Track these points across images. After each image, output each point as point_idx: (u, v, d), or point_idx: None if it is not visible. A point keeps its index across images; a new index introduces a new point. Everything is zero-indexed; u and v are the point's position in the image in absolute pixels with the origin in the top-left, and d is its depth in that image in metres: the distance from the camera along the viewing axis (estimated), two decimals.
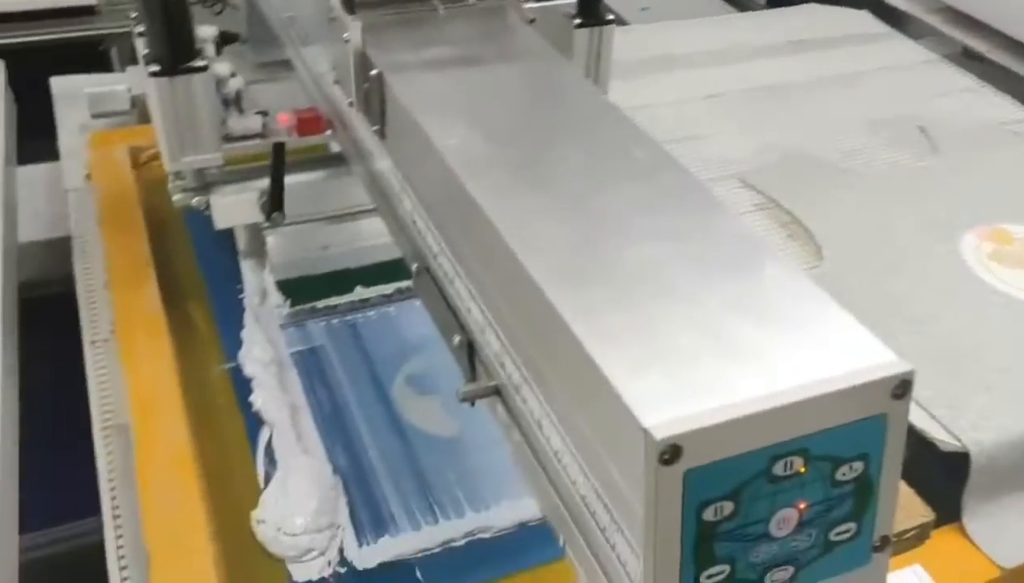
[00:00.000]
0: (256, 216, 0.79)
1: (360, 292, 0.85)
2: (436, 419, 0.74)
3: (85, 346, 0.78)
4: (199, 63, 0.69)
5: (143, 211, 0.92)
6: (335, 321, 0.84)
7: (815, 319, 0.35)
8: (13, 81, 1.06)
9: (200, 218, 0.84)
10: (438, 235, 0.51)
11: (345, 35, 0.56)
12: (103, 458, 0.69)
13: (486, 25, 0.60)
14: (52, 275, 0.89)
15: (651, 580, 0.33)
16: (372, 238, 0.82)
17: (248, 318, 0.84)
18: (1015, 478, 0.66)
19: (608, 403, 0.33)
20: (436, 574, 0.63)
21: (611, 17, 0.68)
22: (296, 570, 0.63)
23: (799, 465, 0.33)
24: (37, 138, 1.04)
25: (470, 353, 0.48)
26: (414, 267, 0.55)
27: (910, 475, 0.64)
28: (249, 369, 0.78)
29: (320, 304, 0.85)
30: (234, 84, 0.76)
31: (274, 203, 0.76)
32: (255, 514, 0.66)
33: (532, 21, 0.61)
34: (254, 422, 0.74)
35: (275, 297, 0.84)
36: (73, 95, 1.11)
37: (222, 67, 0.76)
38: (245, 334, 0.82)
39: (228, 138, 0.75)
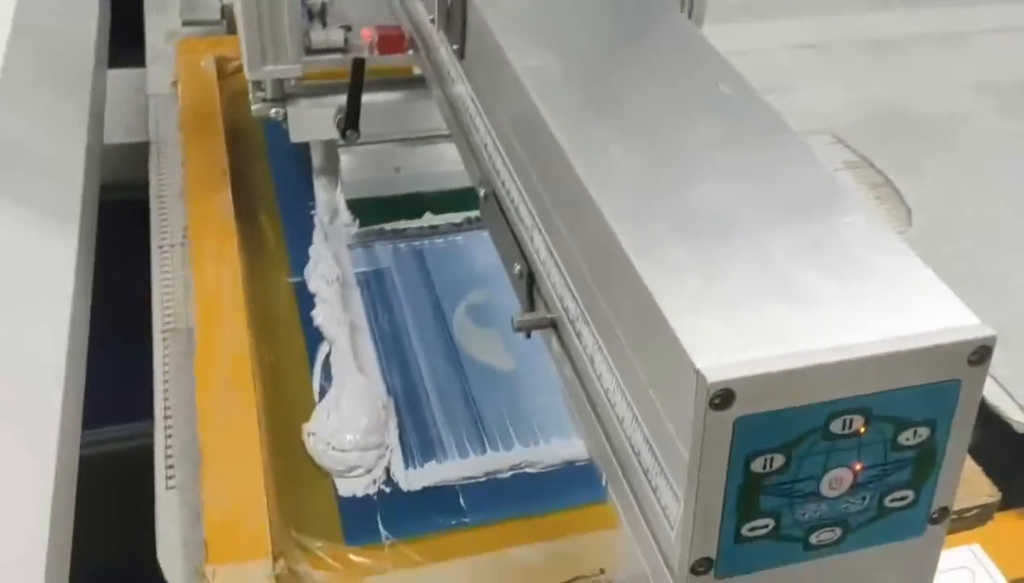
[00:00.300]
0: (331, 132, 0.79)
1: (429, 218, 0.85)
2: (493, 352, 0.74)
3: (153, 250, 0.79)
4: None
5: (224, 122, 0.93)
6: (402, 245, 0.84)
7: (893, 273, 0.33)
8: None
9: (279, 134, 0.85)
10: (508, 160, 0.50)
11: None
12: (160, 360, 0.70)
13: None
14: (125, 179, 0.91)
15: (690, 528, 0.32)
16: (446, 164, 0.81)
17: (317, 235, 0.84)
18: None
19: (663, 341, 0.32)
20: (478, 503, 0.63)
21: None
22: (342, 485, 0.64)
23: (859, 425, 0.31)
24: (124, 43, 1.05)
25: (530, 283, 0.47)
26: (482, 193, 0.54)
27: (975, 452, 0.62)
28: (313, 285, 0.79)
29: (388, 227, 0.84)
30: None
31: (350, 120, 0.75)
32: (306, 426, 0.66)
33: None
34: (314, 337, 0.75)
35: (344, 216, 0.84)
36: (163, 2, 1.12)
37: None
38: (312, 251, 0.82)
39: (309, 50, 0.74)
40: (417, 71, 0.75)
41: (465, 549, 0.59)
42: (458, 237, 0.85)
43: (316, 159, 0.88)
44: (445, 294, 0.79)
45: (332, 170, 0.86)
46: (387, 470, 0.65)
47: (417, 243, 0.84)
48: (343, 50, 0.75)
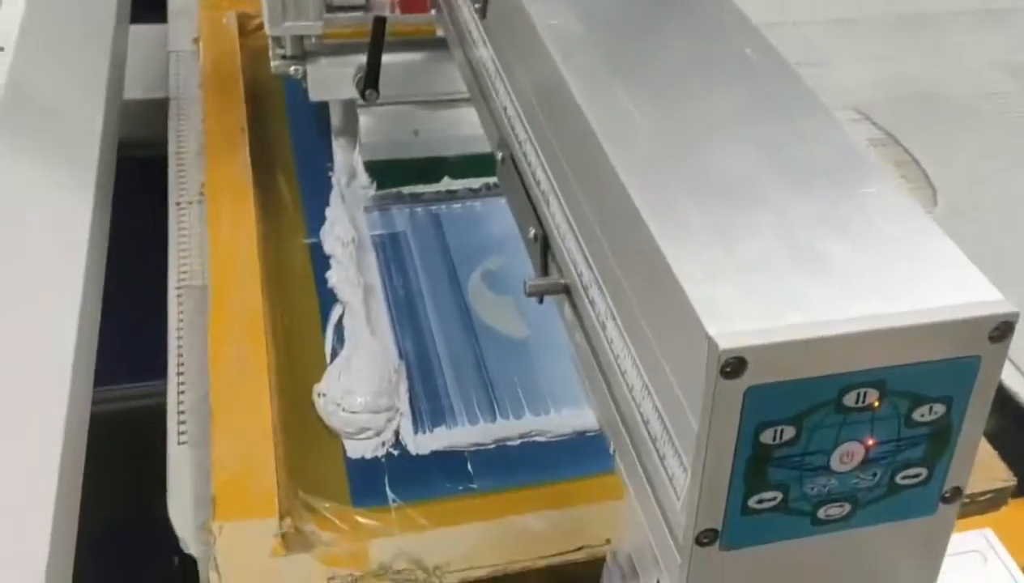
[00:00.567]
0: (351, 92, 0.78)
1: (448, 183, 0.84)
2: (507, 319, 0.73)
3: (170, 207, 0.79)
4: None
5: (244, 79, 0.93)
6: (419, 209, 0.83)
7: (914, 245, 0.32)
8: None
9: (299, 93, 0.84)
10: (527, 122, 0.49)
11: None
12: (174, 316, 0.70)
13: None
14: (144, 136, 0.90)
15: (696, 498, 0.31)
16: (466, 128, 0.80)
17: (334, 197, 0.83)
18: None
19: (676, 308, 0.31)
20: (486, 469, 0.63)
21: None
22: (351, 446, 0.64)
23: (873, 398, 0.30)
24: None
25: (544, 248, 0.47)
26: (500, 155, 0.53)
27: (992, 437, 0.61)
28: (329, 246, 0.78)
29: (406, 190, 0.84)
30: None
31: (369, 80, 0.74)
32: (317, 387, 0.66)
33: None
34: (328, 299, 0.74)
35: (362, 178, 0.83)
36: None
37: None
38: (329, 212, 0.82)
39: (331, 7, 0.73)
40: (439, 32, 0.74)
41: (471, 515, 0.59)
42: (476, 203, 0.84)
43: (335, 119, 0.87)
44: (461, 259, 0.78)
45: (351, 131, 0.86)
46: (396, 433, 0.65)
47: (434, 208, 0.83)
48: (365, 8, 0.74)
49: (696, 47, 0.44)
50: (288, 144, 0.90)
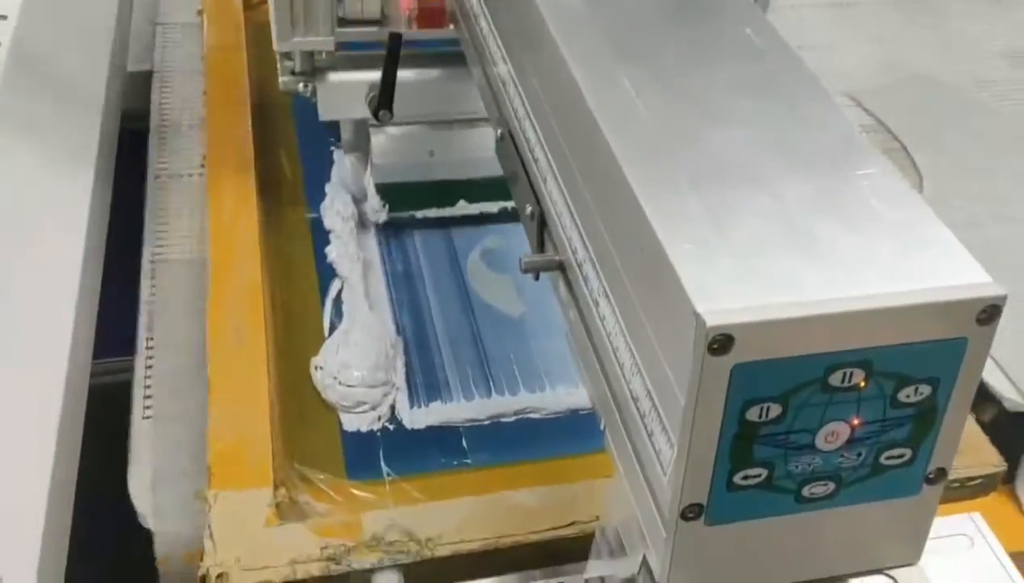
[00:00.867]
0: (363, 111, 0.72)
1: (463, 206, 0.79)
2: (505, 297, 0.74)
3: (148, 181, 0.79)
4: None
5: (248, 53, 0.92)
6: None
7: (905, 225, 0.32)
8: None
9: None
10: (526, 99, 0.49)
11: None
12: (146, 291, 0.70)
13: None
14: (125, 109, 0.89)
15: (682, 473, 0.32)
16: (483, 150, 0.68)
17: (334, 172, 0.83)
18: None
19: (667, 285, 0.31)
20: (481, 445, 0.63)
21: None
22: (347, 419, 0.64)
23: (859, 378, 0.30)
24: None
25: (540, 225, 0.47)
26: (498, 132, 0.53)
27: (987, 426, 0.62)
28: (329, 222, 0.78)
29: (419, 214, 0.79)
30: None
31: (383, 99, 0.69)
32: (315, 360, 0.67)
33: None
34: (328, 274, 0.75)
35: (374, 201, 0.78)
36: None
37: None
38: (329, 187, 0.82)
39: (343, 21, 0.68)
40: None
41: (465, 489, 0.59)
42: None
43: (345, 133, 0.82)
44: (460, 237, 0.78)
45: (362, 147, 0.80)
46: (392, 408, 0.65)
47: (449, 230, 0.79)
48: (379, 22, 0.69)
49: (697, 27, 0.44)
50: (290, 118, 0.90)
